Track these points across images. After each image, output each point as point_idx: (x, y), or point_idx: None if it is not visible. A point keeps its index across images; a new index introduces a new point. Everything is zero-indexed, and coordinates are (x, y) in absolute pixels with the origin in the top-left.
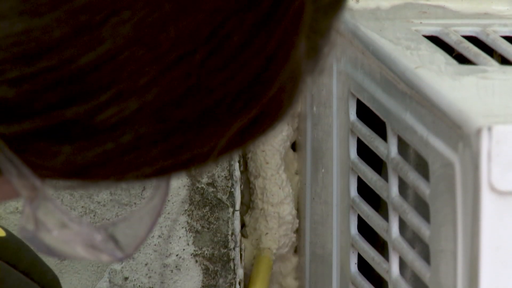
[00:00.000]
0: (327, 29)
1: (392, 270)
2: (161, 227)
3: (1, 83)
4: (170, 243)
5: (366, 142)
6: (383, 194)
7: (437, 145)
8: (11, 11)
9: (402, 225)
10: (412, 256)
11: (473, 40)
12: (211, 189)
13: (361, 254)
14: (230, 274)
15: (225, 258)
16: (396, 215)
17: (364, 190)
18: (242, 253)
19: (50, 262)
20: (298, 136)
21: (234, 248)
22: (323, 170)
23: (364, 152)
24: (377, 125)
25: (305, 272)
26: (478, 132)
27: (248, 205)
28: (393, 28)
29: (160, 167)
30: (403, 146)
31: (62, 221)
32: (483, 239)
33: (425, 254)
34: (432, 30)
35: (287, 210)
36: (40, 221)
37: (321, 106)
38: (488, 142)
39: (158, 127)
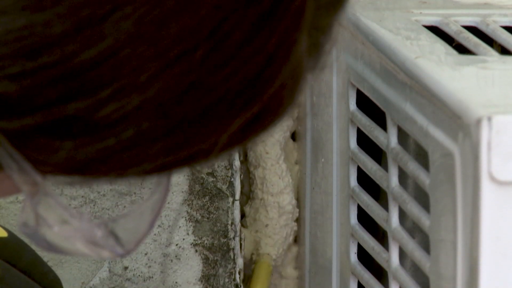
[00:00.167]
0: (329, 26)
1: (392, 260)
2: (161, 216)
3: (2, 78)
4: (170, 232)
5: (366, 132)
6: (383, 184)
7: (437, 135)
8: (12, 6)
9: (402, 215)
10: (412, 246)
11: (473, 30)
12: (211, 179)
13: (361, 244)
14: (230, 263)
15: (225, 248)
16: (396, 205)
17: (364, 180)
18: (242, 242)
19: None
20: (298, 126)
21: (234, 238)
22: (323, 160)
23: (364, 142)
24: (377, 115)
25: (305, 261)
26: (478, 122)
27: (248, 195)
28: (393, 18)
29: (161, 163)
30: (403, 136)
31: (63, 217)
32: (483, 229)
33: (425, 244)
34: (432, 20)
35: (287, 200)
36: (41, 217)
37: (321, 96)
38: (488, 132)
39: (159, 123)
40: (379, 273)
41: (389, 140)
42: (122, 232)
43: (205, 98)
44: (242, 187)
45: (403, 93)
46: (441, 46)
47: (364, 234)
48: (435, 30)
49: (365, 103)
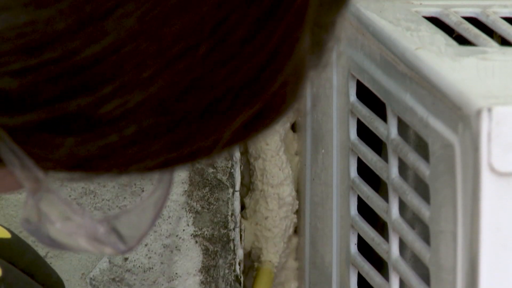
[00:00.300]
0: (331, 24)
1: (392, 251)
2: None
3: (4, 74)
4: (170, 223)
5: (366, 123)
6: (383, 175)
7: (437, 126)
8: (15, 2)
9: (402, 206)
10: (412, 237)
11: (473, 21)
12: (211, 170)
13: (361, 235)
14: (230, 254)
15: (225, 239)
16: (396, 196)
17: (364, 171)
18: (242, 233)
19: None
20: (298, 117)
21: (234, 229)
22: (323, 151)
23: (364, 133)
24: (377, 106)
25: (305, 252)
26: (478, 113)
27: (248, 187)
28: (393, 9)
29: (163, 160)
30: (403, 127)
31: (65, 213)
32: (483, 220)
33: (425, 235)
34: (432, 11)
35: (287, 191)
36: (43, 213)
37: (321, 87)
38: (488, 123)
39: (161, 120)
40: (379, 264)
41: (389, 131)
42: (124, 229)
43: (208, 95)
44: (242, 178)
45: (403, 84)
46: (441, 37)
47: (364, 225)
48: (435, 21)
49: (365, 94)
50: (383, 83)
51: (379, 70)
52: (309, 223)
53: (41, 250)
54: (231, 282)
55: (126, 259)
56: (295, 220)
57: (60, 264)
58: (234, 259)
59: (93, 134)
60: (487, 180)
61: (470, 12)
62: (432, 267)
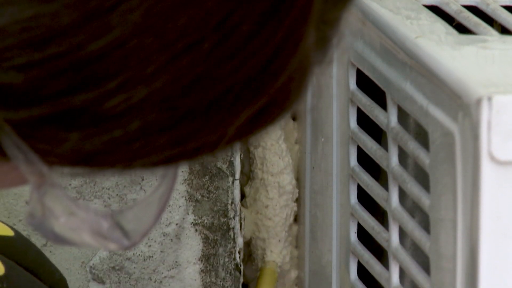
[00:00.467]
0: (336, 20)
1: (392, 239)
2: None
3: (9, 68)
4: (170, 212)
5: (366, 112)
6: (383, 164)
7: (437, 114)
8: None
9: (402, 194)
10: (412, 226)
11: (473, 9)
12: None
13: (361, 224)
14: (230, 243)
15: (225, 227)
16: (396, 184)
17: (364, 159)
18: (242, 222)
19: None
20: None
21: (234, 217)
22: (323, 140)
23: (364, 121)
24: (377, 95)
25: (305, 241)
26: (478, 102)
27: (248, 175)
28: None
29: (167, 156)
30: (403, 115)
31: (69, 208)
32: (483, 209)
33: (425, 224)
34: (432, 0)
35: (287, 180)
36: (48, 208)
37: (321, 76)
38: (488, 112)
39: (166, 115)
40: (379, 252)
41: (389, 119)
42: (128, 224)
43: (212, 90)
44: (242, 167)
45: (403, 73)
46: (441, 25)
47: (364, 213)
48: (435, 9)
49: (365, 83)
50: (383, 72)
51: (379, 58)
52: (309, 212)
53: (40, 239)
54: (231, 270)
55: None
56: (295, 208)
57: (60, 253)
58: (234, 247)
59: (97, 129)
60: (487, 169)
61: (470, 0)
62: (432, 256)
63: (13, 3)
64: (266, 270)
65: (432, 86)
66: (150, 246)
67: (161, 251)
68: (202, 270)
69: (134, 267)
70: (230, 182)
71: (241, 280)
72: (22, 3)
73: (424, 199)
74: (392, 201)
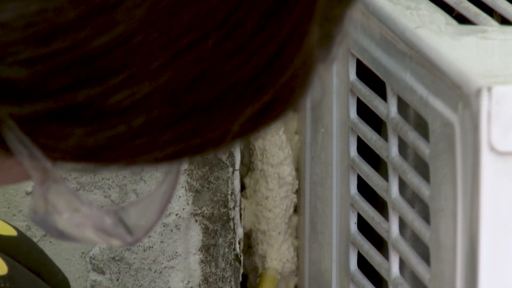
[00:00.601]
0: (341, 18)
1: (391, 230)
2: None
3: (14, 63)
4: (170, 202)
5: (366, 102)
6: (383, 154)
7: (437, 105)
8: None
9: (402, 185)
10: (411, 216)
11: (473, 0)
12: None
13: (361, 214)
14: (230, 233)
15: (225, 218)
16: (396, 175)
17: (364, 150)
18: (242, 212)
19: None
20: None
21: (233, 208)
22: (322, 130)
23: (364, 112)
24: (377, 85)
25: (305, 232)
26: (478, 92)
27: (248, 166)
28: None
29: (171, 152)
30: (403, 106)
31: (73, 203)
32: (482, 199)
33: (425, 214)
34: None
35: (287, 171)
36: (51, 204)
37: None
38: (487, 102)
39: (170, 111)
40: (379, 243)
41: (389, 110)
42: (131, 221)
43: (216, 86)
44: (242, 158)
45: (403, 63)
46: (441, 16)
47: (364, 204)
48: (435, 0)
49: (365, 73)
50: (383, 62)
51: (379, 49)
52: (309, 203)
53: (41, 230)
54: (231, 261)
55: None
56: (295, 200)
57: (60, 243)
58: (234, 238)
59: (101, 124)
60: (486, 159)
61: None
62: (432, 246)
63: None
64: (267, 277)
65: (432, 77)
66: (150, 236)
67: (161, 242)
68: (202, 261)
69: (134, 258)
70: (230, 173)
71: (241, 270)
72: None
73: (424, 190)
74: (392, 191)
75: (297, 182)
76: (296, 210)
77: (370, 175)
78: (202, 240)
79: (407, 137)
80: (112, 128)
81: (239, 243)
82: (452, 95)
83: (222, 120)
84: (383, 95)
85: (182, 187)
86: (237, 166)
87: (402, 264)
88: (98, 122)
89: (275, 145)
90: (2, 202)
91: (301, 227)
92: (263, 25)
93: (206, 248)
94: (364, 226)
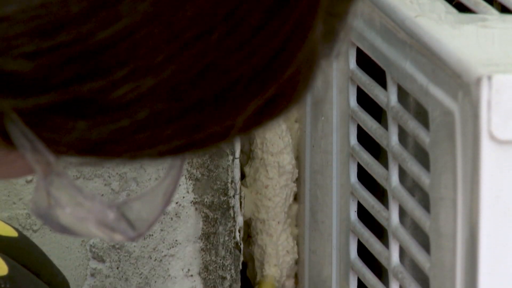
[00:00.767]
0: (344, 13)
1: (392, 218)
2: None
3: (18, 56)
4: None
5: (366, 91)
6: (383, 143)
7: (437, 94)
8: None
9: (402, 173)
10: (412, 205)
11: None
12: None
13: (361, 202)
14: (230, 221)
15: (225, 206)
16: (396, 163)
17: (364, 138)
18: (242, 200)
19: None
20: None
21: (234, 196)
22: (322, 119)
23: (364, 100)
24: (377, 74)
25: (305, 220)
26: (478, 81)
27: (248, 155)
28: None
29: (175, 146)
30: (403, 94)
31: (76, 197)
32: (483, 188)
33: (425, 203)
34: None
35: (287, 159)
36: (54, 197)
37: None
38: (488, 91)
39: (173, 105)
40: (379, 231)
41: (389, 98)
42: (134, 215)
43: (220, 80)
44: (242, 146)
45: (403, 52)
46: (441, 4)
47: (364, 192)
48: None
49: (365, 62)
50: (383, 51)
51: (379, 37)
52: (309, 191)
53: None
54: (231, 249)
55: None
56: (295, 189)
57: None
58: (234, 226)
59: (105, 118)
60: (487, 148)
61: None
62: (432, 234)
63: None
64: (266, 284)
65: (432, 65)
66: None
67: (161, 230)
68: (202, 249)
69: (134, 246)
70: (230, 161)
71: (241, 258)
72: None
73: (424, 178)
74: (392, 180)
75: (297, 170)
76: (296, 198)
77: (370, 164)
78: (202, 228)
79: (407, 125)
80: (115, 122)
81: (239, 231)
82: (452, 83)
83: (226, 115)
84: (383, 84)
85: (182, 175)
86: (237, 154)
87: (402, 252)
88: (101, 115)
89: (275, 133)
90: (2, 190)
91: (301, 215)
92: (267, 20)
93: (206, 236)
94: (364, 215)
